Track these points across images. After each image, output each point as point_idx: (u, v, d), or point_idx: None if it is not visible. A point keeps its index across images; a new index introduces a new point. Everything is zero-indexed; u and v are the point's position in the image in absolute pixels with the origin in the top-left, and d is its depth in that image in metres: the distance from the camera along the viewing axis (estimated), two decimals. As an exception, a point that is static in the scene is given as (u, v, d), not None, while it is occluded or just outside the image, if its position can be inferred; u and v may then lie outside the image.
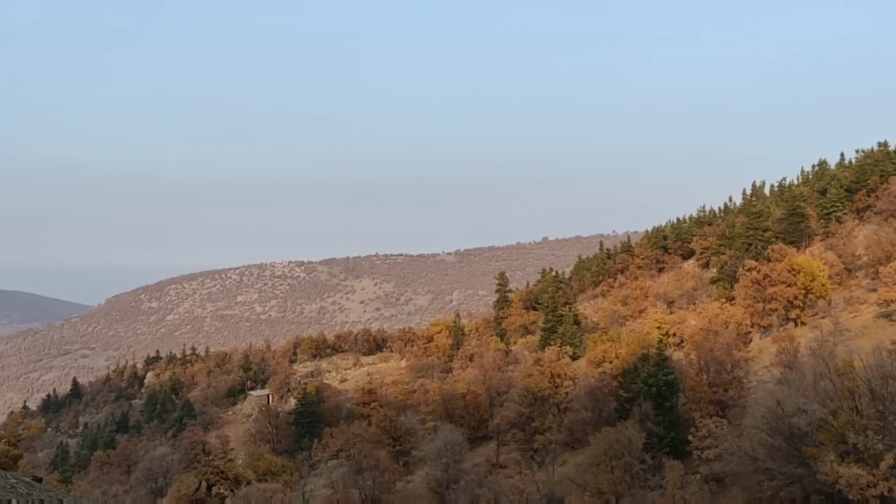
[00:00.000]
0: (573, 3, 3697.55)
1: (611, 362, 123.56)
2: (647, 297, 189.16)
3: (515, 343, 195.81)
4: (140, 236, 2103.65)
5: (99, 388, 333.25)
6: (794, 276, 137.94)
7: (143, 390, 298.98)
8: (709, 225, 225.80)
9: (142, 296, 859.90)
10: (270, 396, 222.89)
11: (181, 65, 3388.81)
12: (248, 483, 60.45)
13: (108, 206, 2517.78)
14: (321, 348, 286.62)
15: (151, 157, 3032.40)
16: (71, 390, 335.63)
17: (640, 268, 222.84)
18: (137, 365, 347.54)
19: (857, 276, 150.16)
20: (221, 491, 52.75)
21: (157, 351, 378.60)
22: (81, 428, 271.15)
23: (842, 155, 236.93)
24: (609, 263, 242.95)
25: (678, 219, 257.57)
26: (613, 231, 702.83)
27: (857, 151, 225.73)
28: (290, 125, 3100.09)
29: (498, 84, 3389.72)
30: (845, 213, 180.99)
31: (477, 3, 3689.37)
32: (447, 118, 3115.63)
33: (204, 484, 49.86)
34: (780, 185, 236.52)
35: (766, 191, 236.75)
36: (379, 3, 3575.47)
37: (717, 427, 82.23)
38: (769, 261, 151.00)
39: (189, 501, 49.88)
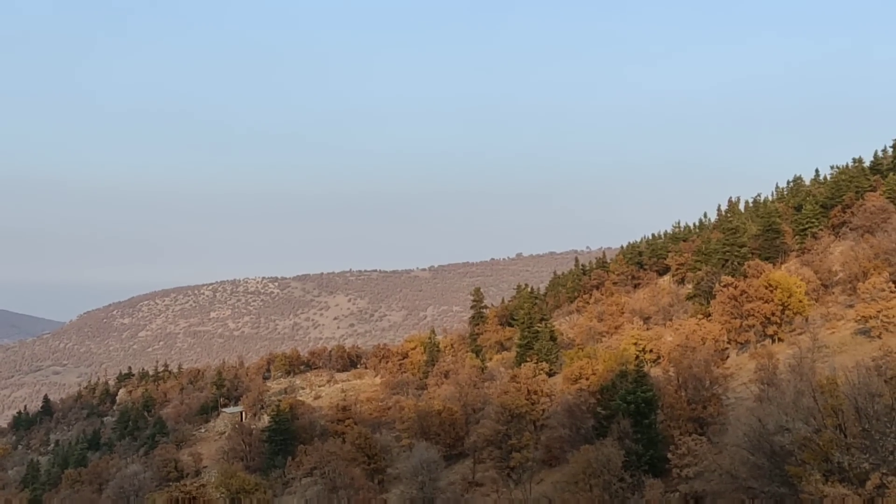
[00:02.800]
0: (549, 21, 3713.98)
1: (588, 379, 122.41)
2: (623, 313, 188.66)
3: (491, 359, 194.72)
4: (113, 252, 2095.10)
5: (70, 405, 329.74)
6: (771, 292, 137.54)
7: (115, 407, 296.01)
8: (684, 241, 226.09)
9: (114, 312, 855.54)
10: (244, 413, 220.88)
11: (155, 82, 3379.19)
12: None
13: (81, 222, 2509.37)
14: (295, 365, 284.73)
15: (125, 173, 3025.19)
16: (42, 407, 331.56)
17: (615, 284, 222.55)
18: (109, 382, 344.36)
19: (833, 293, 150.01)
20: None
21: (130, 367, 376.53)
22: (52, 445, 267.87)
23: (816, 171, 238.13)
24: (584, 279, 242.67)
25: (653, 235, 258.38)
26: (588, 247, 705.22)
27: (831, 168, 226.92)
28: (264, 142, 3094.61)
29: (472, 100, 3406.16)
30: (821, 230, 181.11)
31: (451, 18, 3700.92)
32: (420, 135, 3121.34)
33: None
34: (756, 201, 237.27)
35: (742, 207, 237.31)
36: (349, 20, 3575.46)
37: (696, 445, 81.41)
38: (745, 277, 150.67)
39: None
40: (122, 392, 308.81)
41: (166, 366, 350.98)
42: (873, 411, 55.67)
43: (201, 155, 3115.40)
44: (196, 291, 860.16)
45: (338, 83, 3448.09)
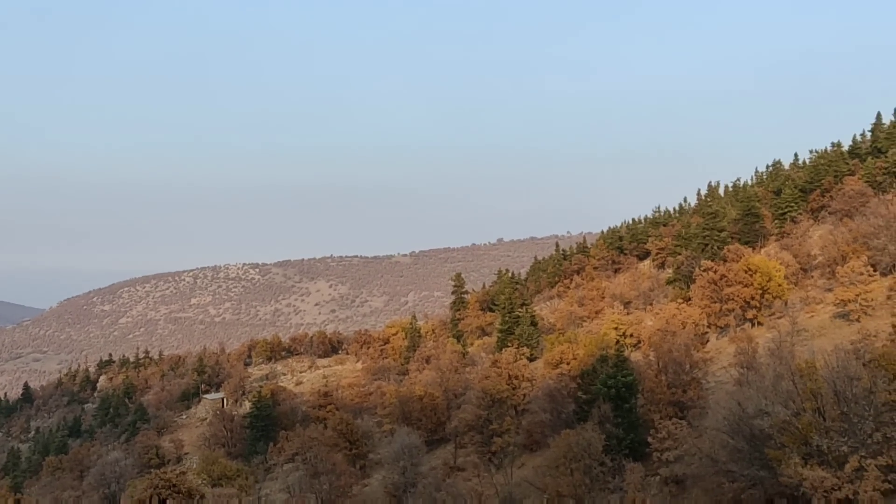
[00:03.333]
0: (526, 6, 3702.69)
1: (568, 364, 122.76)
2: (604, 297, 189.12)
3: (472, 344, 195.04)
4: (92, 239, 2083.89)
5: (51, 392, 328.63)
6: (751, 276, 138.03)
7: (95, 394, 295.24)
8: (664, 225, 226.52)
9: (94, 299, 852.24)
10: (225, 400, 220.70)
11: (133, 67, 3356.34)
12: (202, 497, 58.91)
13: (60, 209, 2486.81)
14: (276, 351, 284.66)
15: (104, 160, 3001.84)
16: (22, 394, 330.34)
17: (595, 269, 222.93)
18: (90, 368, 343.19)
19: (812, 276, 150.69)
20: (173, 505, 51.34)
21: (110, 354, 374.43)
22: (33, 433, 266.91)
23: (796, 155, 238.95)
24: (565, 264, 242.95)
25: (633, 220, 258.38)
26: (568, 232, 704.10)
27: (810, 152, 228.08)
28: (245, 128, 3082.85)
29: (452, 86, 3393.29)
30: (800, 214, 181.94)
31: (428, 5, 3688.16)
32: (401, 122, 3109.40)
33: (156, 498, 48.30)
34: (735, 186, 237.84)
35: (721, 191, 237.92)
36: (328, 7, 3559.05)
37: (676, 429, 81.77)
38: (725, 261, 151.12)
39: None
40: (102, 379, 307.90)
41: (147, 352, 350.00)
42: (852, 395, 55.97)
43: (181, 141, 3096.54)
44: (176, 278, 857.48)
45: (320, 70, 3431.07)
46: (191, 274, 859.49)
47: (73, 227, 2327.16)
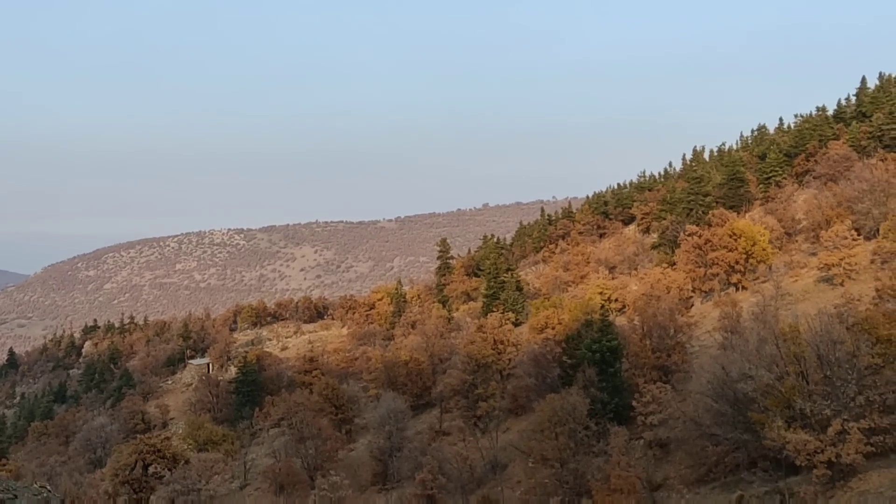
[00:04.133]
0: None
1: (553, 328, 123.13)
2: (589, 262, 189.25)
3: (457, 310, 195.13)
4: (77, 205, 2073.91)
5: (36, 357, 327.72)
6: (735, 240, 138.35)
7: (81, 360, 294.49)
8: (649, 190, 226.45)
9: (79, 264, 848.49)
10: (210, 365, 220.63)
11: (115, 33, 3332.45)
12: (187, 461, 58.91)
13: (43, 176, 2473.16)
14: (261, 316, 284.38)
15: (88, 126, 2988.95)
16: (7, 360, 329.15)
17: (581, 234, 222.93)
18: (75, 334, 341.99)
19: (797, 241, 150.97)
20: (158, 470, 51.25)
21: (95, 320, 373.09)
22: (18, 398, 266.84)
23: (780, 120, 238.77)
24: (550, 229, 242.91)
25: (619, 184, 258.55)
26: (554, 197, 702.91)
27: (795, 116, 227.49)
28: (228, 93, 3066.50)
29: (437, 51, 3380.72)
30: (784, 178, 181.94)
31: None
32: (385, 87, 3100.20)
33: (140, 463, 48.31)
34: (720, 151, 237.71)
35: (707, 156, 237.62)
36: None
37: (660, 392, 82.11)
38: (710, 226, 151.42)
39: (125, 481, 48.26)
40: (87, 344, 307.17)
41: (132, 318, 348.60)
42: (835, 358, 56.19)
43: (164, 108, 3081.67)
44: (161, 243, 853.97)
45: (302, 38, 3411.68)
46: (175, 239, 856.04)
47: (57, 194, 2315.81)
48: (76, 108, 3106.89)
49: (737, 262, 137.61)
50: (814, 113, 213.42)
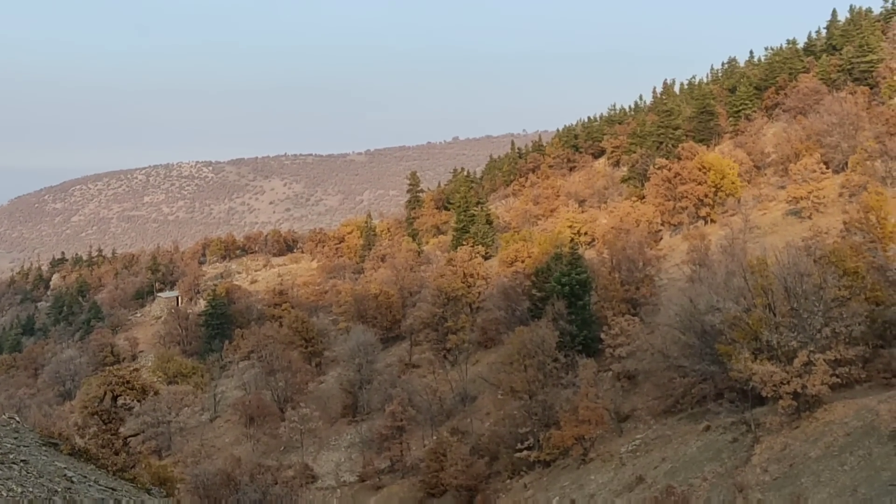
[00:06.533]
0: None
1: (523, 262, 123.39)
2: (559, 196, 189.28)
3: (427, 243, 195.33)
4: (42, 136, 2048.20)
5: (3, 290, 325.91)
6: (704, 174, 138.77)
7: (49, 293, 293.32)
8: (620, 124, 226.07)
9: (46, 197, 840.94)
10: (179, 298, 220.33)
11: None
12: (156, 392, 58.64)
13: (8, 105, 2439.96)
14: (231, 249, 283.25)
15: (52, 56, 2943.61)
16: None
17: (551, 167, 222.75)
18: (43, 267, 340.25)
19: (765, 174, 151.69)
20: (128, 402, 50.93)
21: (63, 252, 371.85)
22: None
23: (751, 53, 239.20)
24: (520, 163, 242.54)
25: (589, 118, 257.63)
26: (524, 130, 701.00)
27: (766, 49, 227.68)
28: (192, 26, 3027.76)
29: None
30: (754, 111, 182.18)
31: None
32: (354, 14, 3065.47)
33: (109, 395, 47.96)
34: (690, 84, 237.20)
35: (677, 89, 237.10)
36: None
37: (629, 325, 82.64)
38: (679, 159, 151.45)
39: (94, 412, 47.94)
40: (55, 277, 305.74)
41: (100, 251, 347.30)
42: (802, 291, 56.51)
43: (130, 36, 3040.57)
44: (129, 176, 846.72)
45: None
46: (143, 172, 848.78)
47: (20, 124, 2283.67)
48: (39, 33, 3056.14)
49: (706, 196, 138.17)
50: (784, 46, 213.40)
